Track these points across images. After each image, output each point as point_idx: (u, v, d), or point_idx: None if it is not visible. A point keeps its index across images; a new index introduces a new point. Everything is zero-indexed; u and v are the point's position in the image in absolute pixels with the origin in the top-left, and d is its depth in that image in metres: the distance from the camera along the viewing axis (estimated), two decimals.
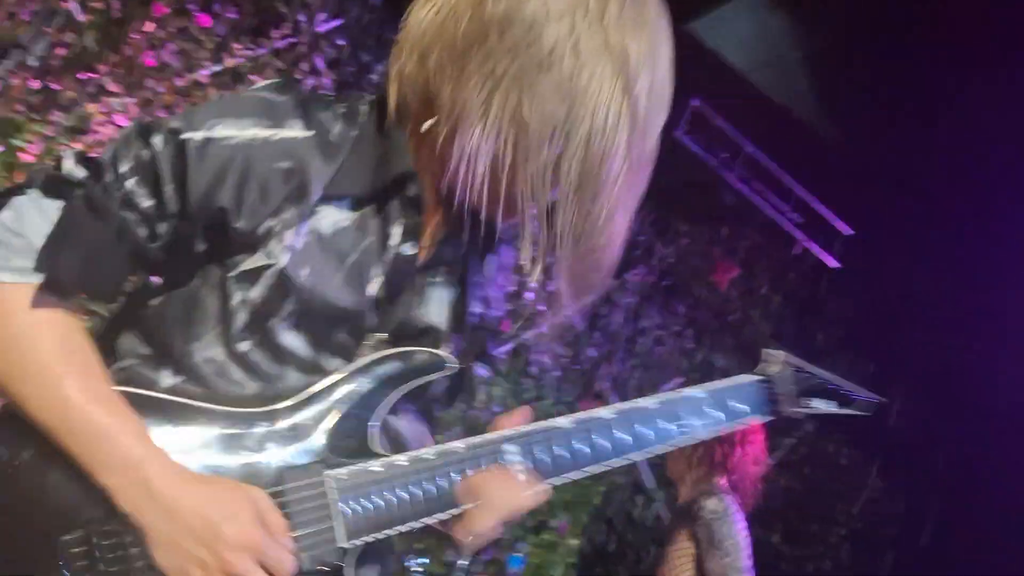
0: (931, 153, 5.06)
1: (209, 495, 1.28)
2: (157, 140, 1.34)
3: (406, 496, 1.40)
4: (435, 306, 1.56)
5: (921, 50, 4.50)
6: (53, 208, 1.31)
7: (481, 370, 1.76)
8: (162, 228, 1.37)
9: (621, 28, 1.26)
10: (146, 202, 1.35)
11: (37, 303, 1.30)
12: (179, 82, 4.17)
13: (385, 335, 1.48)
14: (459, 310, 1.60)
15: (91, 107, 3.95)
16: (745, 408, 1.63)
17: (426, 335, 1.55)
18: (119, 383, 1.37)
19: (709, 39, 5.50)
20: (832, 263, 6.18)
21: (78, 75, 3.96)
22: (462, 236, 1.47)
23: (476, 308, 1.65)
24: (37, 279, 1.29)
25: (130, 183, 1.33)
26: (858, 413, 1.74)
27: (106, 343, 1.47)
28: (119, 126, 3.91)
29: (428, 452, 1.44)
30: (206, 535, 1.25)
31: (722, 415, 1.60)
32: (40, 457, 1.31)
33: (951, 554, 5.59)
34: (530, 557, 6.02)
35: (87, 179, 1.33)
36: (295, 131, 1.38)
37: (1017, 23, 4.00)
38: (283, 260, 1.37)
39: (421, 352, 1.49)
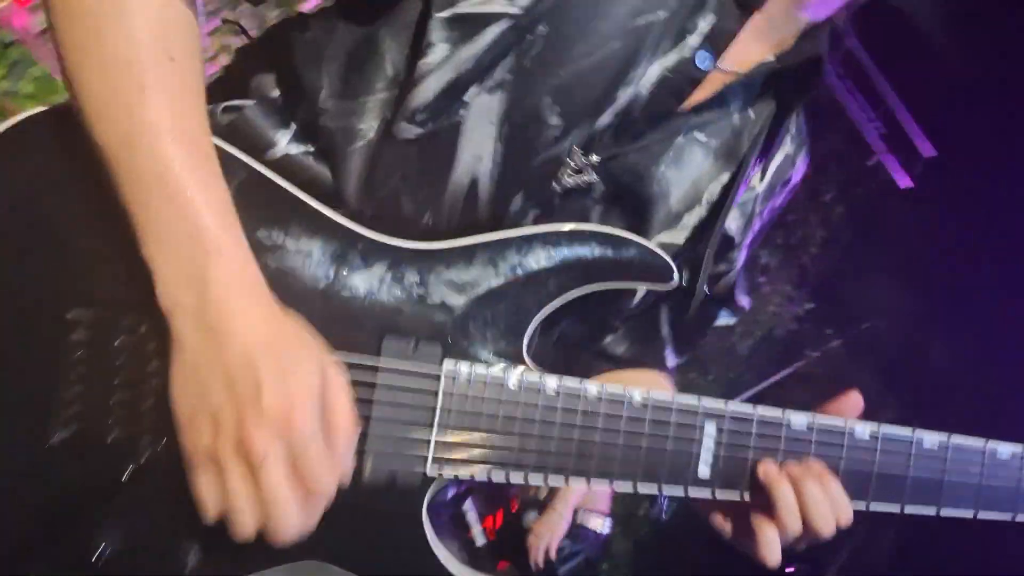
0: None
1: (271, 337, 0.91)
2: None
3: (536, 438, 1.02)
4: (684, 174, 1.12)
5: None
6: None
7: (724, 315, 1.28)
8: None
9: None
10: None
11: None
12: None
13: (592, 179, 1.07)
14: (718, 202, 1.14)
15: None
16: None
17: (649, 211, 1.11)
18: (221, 131, 1.01)
19: None
20: (906, 183, 5.80)
21: None
22: (770, 80, 1.09)
23: (737, 218, 1.21)
24: None
25: None
26: None
27: (236, 78, 1.11)
28: None
29: (593, 388, 1.02)
30: (241, 388, 0.88)
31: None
32: (71, 200, 0.96)
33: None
34: None
35: None
36: None
37: None
38: (523, 2, 0.98)
39: (639, 246, 1.03)
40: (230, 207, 0.93)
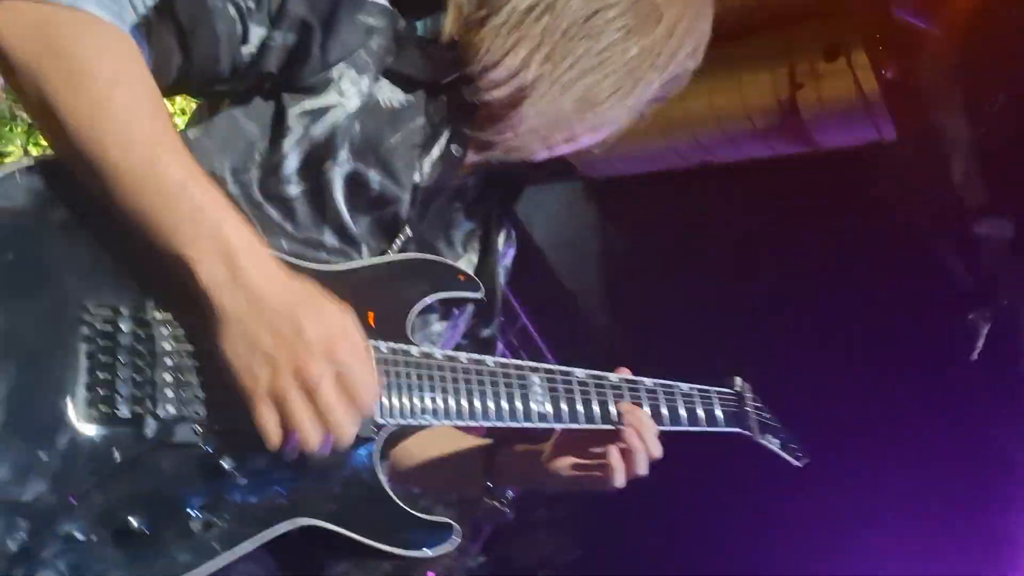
0: None
1: (300, 293, 1.17)
2: None
3: (442, 394, 1.36)
4: (460, 233, 1.60)
5: None
6: None
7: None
8: (254, 33, 1.31)
9: None
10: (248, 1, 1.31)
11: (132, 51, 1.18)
12: None
13: (411, 235, 1.46)
14: (487, 259, 1.63)
15: None
16: (721, 417, 1.72)
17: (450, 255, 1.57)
18: None
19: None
20: None
21: None
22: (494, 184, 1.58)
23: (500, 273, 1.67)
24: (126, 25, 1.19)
25: None
26: (792, 460, 1.82)
27: None
28: None
29: (463, 357, 1.40)
30: (286, 330, 1.12)
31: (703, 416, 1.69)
32: (77, 217, 1.15)
33: None
34: None
35: None
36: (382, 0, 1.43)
37: None
38: (352, 105, 1.37)
39: (450, 267, 1.49)
40: (236, 213, 1.18)
